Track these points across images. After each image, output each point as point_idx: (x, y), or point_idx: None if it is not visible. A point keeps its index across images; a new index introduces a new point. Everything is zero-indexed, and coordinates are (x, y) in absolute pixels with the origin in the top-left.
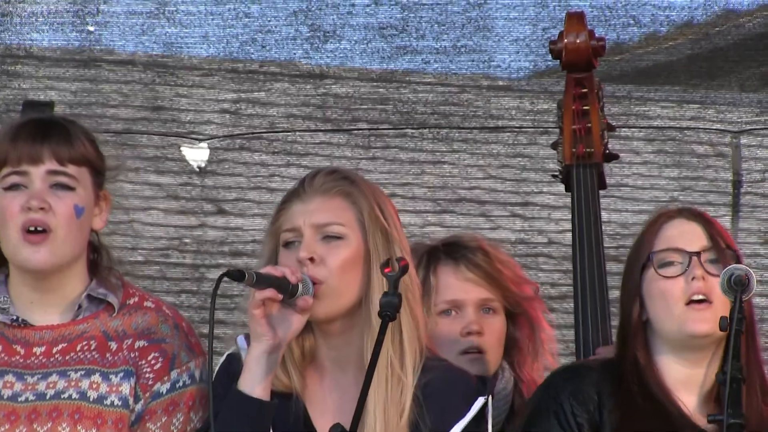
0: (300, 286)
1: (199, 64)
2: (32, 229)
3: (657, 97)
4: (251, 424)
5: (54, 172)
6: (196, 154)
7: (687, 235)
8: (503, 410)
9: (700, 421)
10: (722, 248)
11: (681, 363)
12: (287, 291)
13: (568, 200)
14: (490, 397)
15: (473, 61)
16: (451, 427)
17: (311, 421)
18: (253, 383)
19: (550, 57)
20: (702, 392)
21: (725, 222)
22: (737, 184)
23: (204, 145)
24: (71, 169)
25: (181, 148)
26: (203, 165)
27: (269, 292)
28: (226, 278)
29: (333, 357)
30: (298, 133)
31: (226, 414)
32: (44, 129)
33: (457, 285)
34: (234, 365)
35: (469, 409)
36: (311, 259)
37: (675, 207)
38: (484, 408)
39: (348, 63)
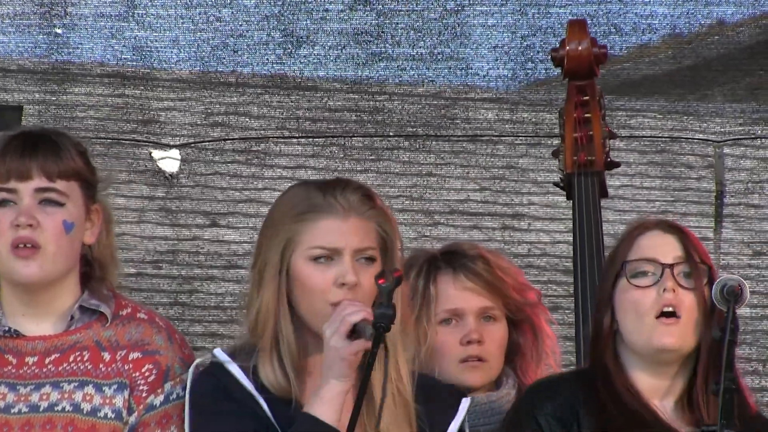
0: None
1: (169, 70)
2: (21, 245)
3: (639, 106)
4: None
5: (43, 189)
6: (168, 162)
7: (662, 247)
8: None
9: (679, 427)
10: (696, 262)
11: (648, 374)
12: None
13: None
14: (470, 398)
15: (450, 68)
16: (447, 426)
17: None
18: (334, 415)
19: (528, 65)
20: (669, 401)
21: (708, 232)
22: (720, 194)
23: (175, 152)
24: (60, 184)
25: (152, 154)
26: (174, 171)
27: (368, 344)
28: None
29: (313, 356)
30: (271, 141)
31: None
32: (33, 144)
33: (456, 294)
34: (224, 378)
35: (458, 409)
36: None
37: (653, 218)
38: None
39: (321, 69)
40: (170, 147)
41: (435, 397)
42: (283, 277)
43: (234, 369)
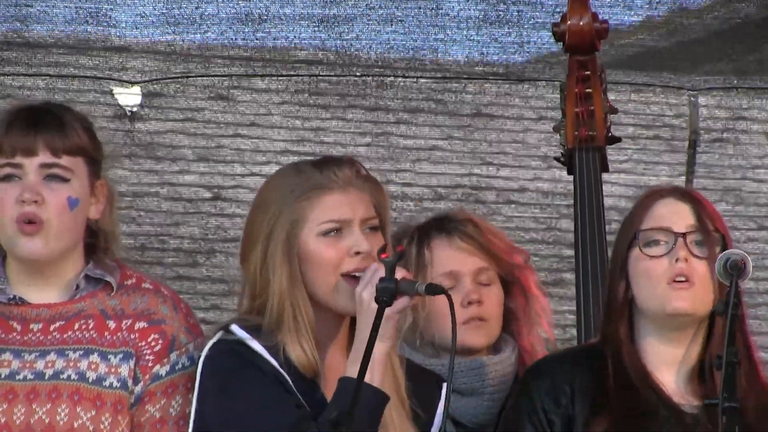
0: None
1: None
2: (26, 221)
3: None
4: (378, 416)
5: (48, 165)
6: (128, 98)
7: (675, 216)
8: (509, 380)
9: (681, 399)
10: (709, 230)
11: (663, 342)
12: None
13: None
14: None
15: (420, 8)
16: (435, 410)
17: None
18: (382, 380)
19: (500, 6)
20: (683, 371)
21: (680, 180)
22: (694, 143)
23: (136, 89)
24: (65, 160)
25: (113, 91)
26: (135, 109)
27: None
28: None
29: (327, 333)
30: (234, 78)
31: (363, 407)
32: (38, 118)
33: (452, 256)
34: (248, 355)
35: (440, 390)
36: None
37: (667, 186)
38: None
39: (288, 6)
40: (132, 83)
41: (419, 380)
42: (294, 257)
43: (257, 346)
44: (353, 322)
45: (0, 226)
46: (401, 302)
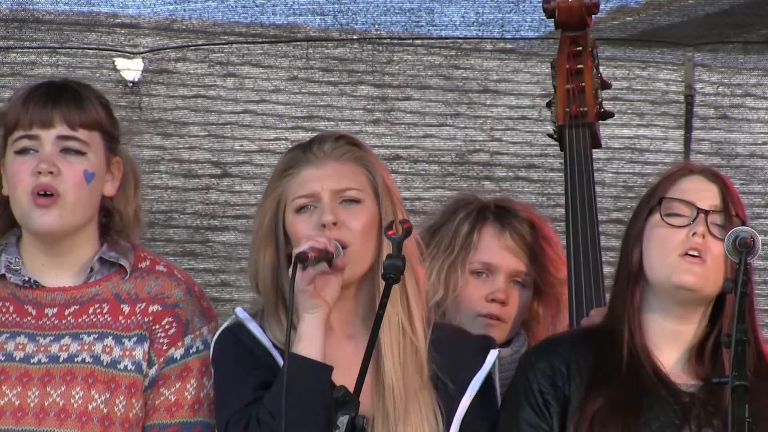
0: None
1: None
2: (41, 192)
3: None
4: (316, 385)
5: (64, 137)
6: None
7: (701, 193)
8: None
9: (679, 378)
10: (731, 215)
11: (667, 319)
12: (329, 260)
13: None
14: (498, 351)
15: None
16: (471, 378)
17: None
18: (314, 348)
19: None
20: (682, 350)
21: (677, 134)
22: (690, 98)
23: (138, 62)
24: (82, 133)
25: (115, 61)
26: (137, 78)
27: (322, 267)
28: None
29: (341, 318)
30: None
31: (292, 378)
32: (56, 93)
33: (496, 250)
34: (244, 336)
35: (485, 360)
36: (335, 224)
37: (698, 163)
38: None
39: None
40: (134, 53)
41: (461, 348)
42: (280, 235)
43: (253, 327)
44: (359, 302)
45: (15, 199)
46: (306, 274)
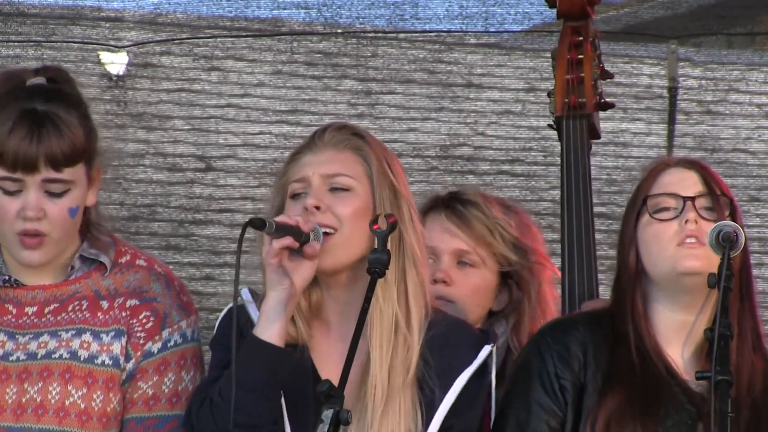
0: (312, 234)
1: None
2: (28, 235)
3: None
4: (269, 370)
5: (49, 180)
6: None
7: (683, 182)
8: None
9: (689, 376)
10: (717, 195)
11: (674, 310)
12: (300, 239)
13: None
14: (494, 347)
15: None
16: (459, 374)
17: (318, 373)
18: (271, 331)
19: None
20: (691, 346)
21: (660, 128)
22: (673, 91)
23: (123, 55)
24: (66, 173)
25: (100, 55)
26: (121, 72)
27: (287, 240)
28: (249, 227)
29: (338, 310)
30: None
31: (244, 360)
32: (38, 128)
33: (437, 234)
34: (241, 318)
35: (476, 356)
36: (317, 207)
37: (673, 157)
38: (488, 357)
39: None
40: (118, 47)
41: (456, 343)
42: None
43: (252, 309)
44: (355, 293)
45: (1, 232)
46: (266, 247)
